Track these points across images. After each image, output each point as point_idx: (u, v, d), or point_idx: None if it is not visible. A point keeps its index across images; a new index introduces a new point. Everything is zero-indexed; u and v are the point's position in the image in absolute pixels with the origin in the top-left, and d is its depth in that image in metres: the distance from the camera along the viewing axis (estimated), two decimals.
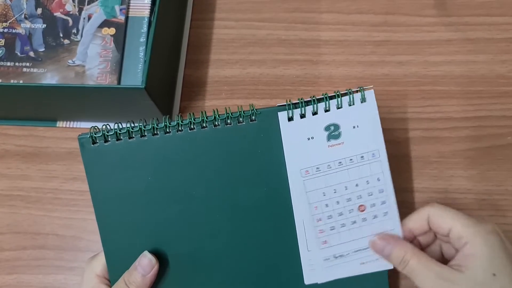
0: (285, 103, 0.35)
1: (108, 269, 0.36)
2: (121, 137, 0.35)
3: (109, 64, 0.44)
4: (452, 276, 0.31)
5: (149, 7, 0.46)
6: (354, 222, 0.36)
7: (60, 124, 0.50)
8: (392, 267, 0.36)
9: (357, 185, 0.36)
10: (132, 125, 0.35)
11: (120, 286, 0.35)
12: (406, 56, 0.50)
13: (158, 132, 0.35)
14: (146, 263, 0.34)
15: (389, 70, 0.50)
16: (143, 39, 0.45)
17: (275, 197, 0.36)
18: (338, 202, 0.36)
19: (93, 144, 0.34)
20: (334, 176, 0.36)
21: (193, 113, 0.35)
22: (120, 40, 0.45)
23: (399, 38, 0.51)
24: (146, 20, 0.46)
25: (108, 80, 0.44)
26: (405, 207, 0.45)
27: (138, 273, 0.34)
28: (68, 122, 0.50)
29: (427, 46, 0.50)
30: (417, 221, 0.35)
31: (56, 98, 0.44)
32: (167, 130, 0.35)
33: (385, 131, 0.47)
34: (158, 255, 0.36)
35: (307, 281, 0.37)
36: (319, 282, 0.36)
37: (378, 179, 0.36)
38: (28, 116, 0.49)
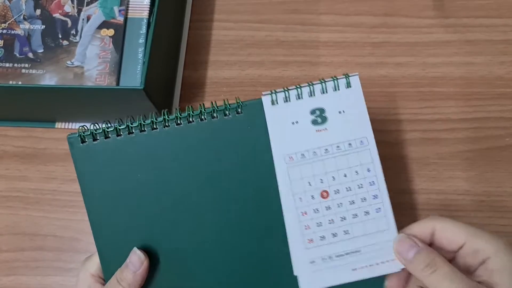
0: (269, 92, 0.35)
1: (102, 268, 0.36)
2: (109, 135, 0.35)
3: (108, 65, 0.44)
4: None
5: (148, 8, 0.46)
6: (344, 218, 0.34)
7: (59, 125, 0.50)
8: (385, 274, 0.33)
9: (345, 175, 0.34)
10: (120, 122, 0.35)
11: (112, 284, 0.35)
12: (404, 58, 0.50)
13: (145, 129, 0.35)
14: (135, 259, 0.34)
15: (388, 71, 0.50)
16: (142, 40, 0.45)
17: (264, 189, 0.35)
18: None
19: (82, 143, 0.35)
20: (320, 165, 0.34)
21: (179, 108, 0.35)
22: (119, 41, 0.45)
23: (398, 40, 0.51)
24: (145, 21, 0.46)
25: (107, 81, 0.44)
26: (403, 209, 0.45)
27: (129, 270, 0.34)
28: (67, 123, 0.50)
29: (426, 48, 0.50)
30: (419, 232, 0.33)
31: (55, 99, 0.44)
32: (154, 126, 0.35)
33: (384, 132, 0.47)
34: (151, 251, 0.36)
35: (296, 273, 0.35)
36: None
37: (368, 170, 0.34)
38: (26, 117, 0.49)
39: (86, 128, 0.35)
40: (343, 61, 0.50)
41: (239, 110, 0.35)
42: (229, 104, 0.35)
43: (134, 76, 0.44)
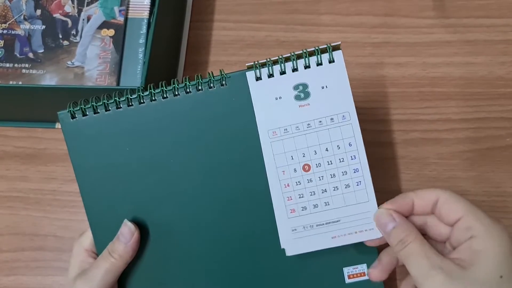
0: (253, 63, 0.35)
1: (94, 242, 0.37)
2: (98, 110, 0.35)
3: (108, 65, 0.44)
4: (453, 271, 0.29)
5: (148, 9, 0.46)
6: (325, 190, 0.35)
7: (59, 125, 0.50)
8: (361, 241, 0.35)
9: (327, 149, 0.35)
10: (109, 97, 0.36)
11: (104, 256, 0.35)
12: (405, 58, 0.50)
13: (133, 103, 0.35)
14: (126, 231, 0.35)
15: (388, 71, 0.50)
16: (142, 41, 0.45)
17: (250, 161, 0.36)
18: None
19: (72, 118, 0.35)
20: (302, 139, 0.35)
21: (165, 82, 0.35)
22: (119, 42, 0.45)
23: (398, 40, 0.51)
24: (145, 21, 0.46)
25: (107, 81, 0.44)
26: None
27: (120, 242, 0.35)
28: None
29: (426, 48, 0.50)
30: (423, 199, 0.33)
31: (55, 99, 0.44)
32: (141, 101, 0.35)
33: (384, 132, 0.47)
34: (142, 224, 0.36)
35: (283, 246, 0.36)
36: (288, 254, 0.35)
37: (350, 144, 0.34)
38: (27, 118, 0.49)
39: (76, 103, 0.35)
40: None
41: (224, 82, 0.35)
42: (213, 76, 0.35)
43: (134, 76, 0.44)
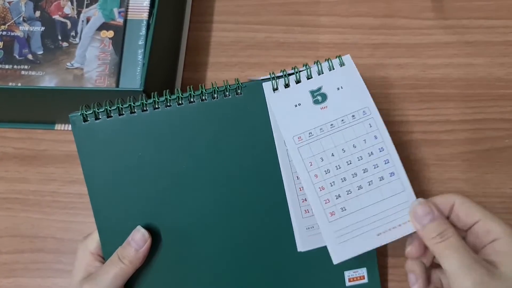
0: (269, 76, 0.36)
1: (101, 246, 0.36)
2: (112, 114, 0.35)
3: (107, 67, 0.44)
4: (490, 268, 0.30)
5: (148, 10, 0.46)
6: (360, 187, 0.35)
7: (58, 127, 0.50)
8: (405, 235, 0.34)
9: (354, 146, 0.35)
10: (122, 102, 0.36)
11: (114, 261, 0.35)
12: (404, 59, 0.50)
13: (147, 108, 0.35)
14: (139, 237, 0.35)
15: (387, 72, 0.50)
16: (141, 42, 0.45)
17: (264, 168, 0.36)
18: (338, 167, 0.35)
19: (84, 121, 0.35)
20: (328, 139, 0.35)
21: (180, 89, 0.36)
22: (119, 43, 0.45)
23: (397, 41, 0.51)
24: (145, 23, 0.46)
25: (106, 83, 0.44)
26: None
27: (132, 247, 0.35)
28: (67, 125, 0.50)
29: (425, 49, 0.50)
30: (441, 204, 0.34)
31: (55, 101, 0.44)
32: (156, 106, 0.36)
33: None
34: (151, 229, 0.36)
35: (300, 249, 0.36)
36: (336, 262, 0.33)
37: (375, 137, 0.35)
38: (26, 119, 0.49)
39: (88, 106, 0.35)
40: None
41: (239, 91, 0.36)
42: (229, 85, 0.36)
43: (133, 77, 0.44)
